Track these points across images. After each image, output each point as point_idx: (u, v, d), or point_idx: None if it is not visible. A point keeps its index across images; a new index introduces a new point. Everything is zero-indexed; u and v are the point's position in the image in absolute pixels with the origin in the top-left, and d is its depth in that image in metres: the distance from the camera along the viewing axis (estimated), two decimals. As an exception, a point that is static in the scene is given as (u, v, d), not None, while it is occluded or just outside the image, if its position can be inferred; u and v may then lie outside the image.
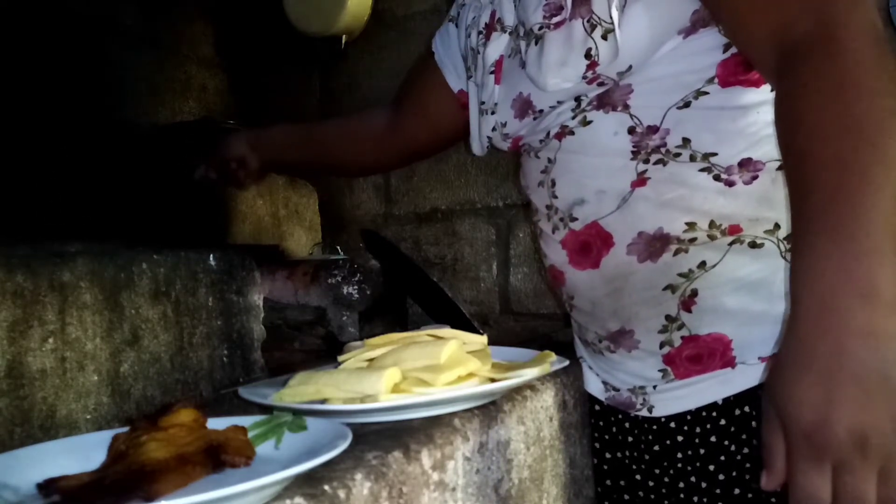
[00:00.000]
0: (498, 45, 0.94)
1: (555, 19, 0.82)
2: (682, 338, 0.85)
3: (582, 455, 0.99)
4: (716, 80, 0.80)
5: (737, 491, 0.84)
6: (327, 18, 1.62)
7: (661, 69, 0.80)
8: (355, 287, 1.12)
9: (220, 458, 0.54)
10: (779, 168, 0.80)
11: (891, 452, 0.59)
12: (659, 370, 0.88)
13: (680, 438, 0.88)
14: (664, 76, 0.80)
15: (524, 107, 0.89)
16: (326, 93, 1.83)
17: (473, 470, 0.71)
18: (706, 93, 0.80)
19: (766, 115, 0.78)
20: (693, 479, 0.88)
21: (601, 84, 0.82)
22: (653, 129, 0.81)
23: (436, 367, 0.71)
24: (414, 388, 0.70)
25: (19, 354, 0.71)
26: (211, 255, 0.93)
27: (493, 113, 0.95)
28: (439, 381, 0.70)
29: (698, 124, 0.80)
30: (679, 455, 0.88)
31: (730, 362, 0.84)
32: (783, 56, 0.70)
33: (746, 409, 0.83)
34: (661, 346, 0.86)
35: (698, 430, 0.87)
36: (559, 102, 0.85)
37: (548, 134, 0.88)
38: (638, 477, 0.95)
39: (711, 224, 0.81)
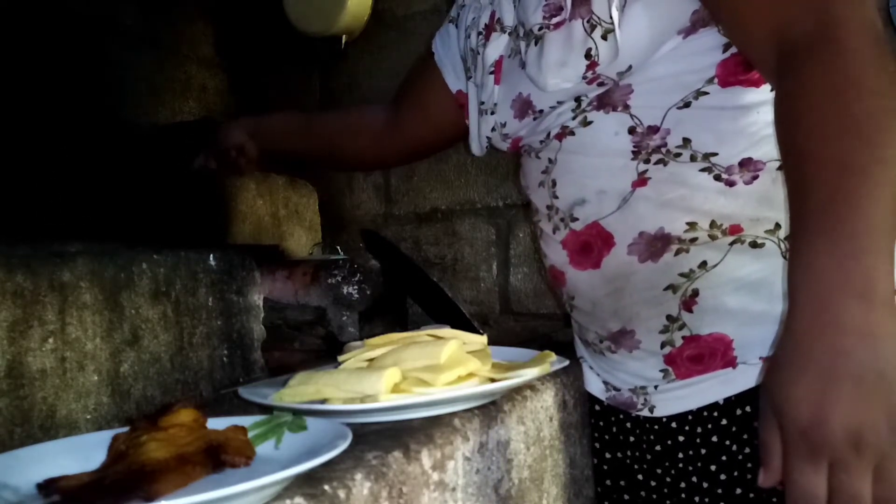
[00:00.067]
0: (497, 46, 0.94)
1: (554, 20, 0.82)
2: (684, 338, 0.85)
3: (582, 455, 0.99)
4: (716, 80, 0.80)
5: (738, 491, 0.84)
6: (327, 18, 1.62)
7: (661, 69, 0.80)
8: (355, 287, 1.12)
9: (220, 458, 0.54)
10: (779, 168, 0.80)
11: (886, 451, 0.59)
12: (660, 370, 0.88)
13: (681, 438, 0.88)
14: (664, 76, 0.80)
15: (524, 107, 0.89)
16: (326, 93, 1.83)
17: (473, 470, 0.71)
18: (706, 93, 0.80)
19: (767, 114, 0.78)
20: (694, 479, 0.88)
21: (601, 84, 0.82)
22: (653, 129, 0.81)
23: (436, 367, 0.71)
24: (414, 388, 0.70)
25: (19, 354, 0.71)
26: (211, 255, 0.93)
27: (492, 113, 0.95)
28: (439, 381, 0.70)
29: (698, 124, 0.80)
30: (680, 455, 0.88)
31: (731, 362, 0.84)
32: (783, 56, 0.70)
33: (748, 408, 0.83)
34: (662, 346, 0.86)
35: (699, 430, 0.87)
36: (559, 103, 0.85)
37: (548, 134, 0.88)
38: (639, 477, 0.95)
39: (712, 224, 0.81)
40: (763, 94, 0.79)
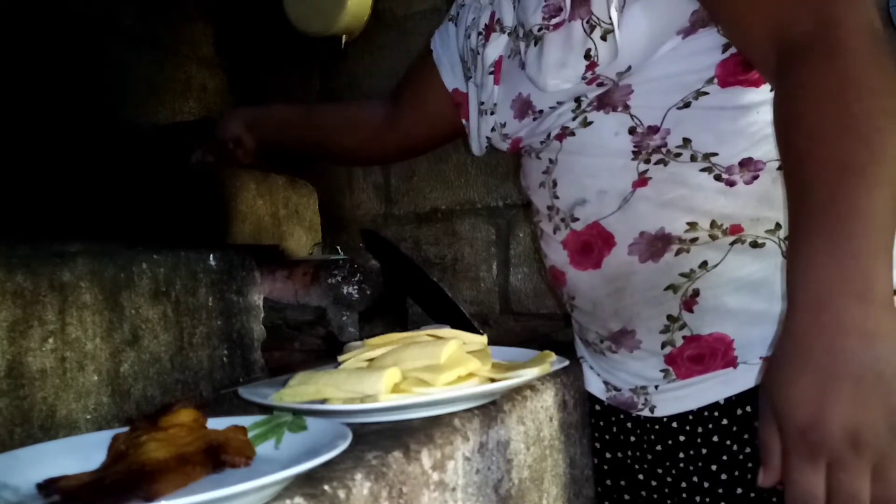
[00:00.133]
0: (497, 46, 0.94)
1: (554, 20, 0.82)
2: (684, 338, 0.85)
3: (582, 455, 0.99)
4: (715, 81, 0.80)
5: (739, 490, 0.84)
6: (327, 18, 1.62)
7: (660, 69, 0.80)
8: (355, 287, 1.12)
9: (220, 458, 0.54)
10: (779, 168, 0.80)
11: (885, 450, 0.59)
12: (660, 370, 0.88)
13: (682, 438, 0.88)
14: (664, 76, 0.80)
15: (524, 107, 0.89)
16: (326, 93, 1.83)
17: (473, 470, 0.71)
18: (706, 93, 0.80)
19: (767, 114, 0.78)
20: (695, 478, 0.88)
21: (601, 85, 0.82)
22: (653, 130, 0.81)
23: (436, 367, 0.71)
24: (414, 388, 0.70)
25: (19, 354, 0.71)
26: (211, 255, 0.93)
27: (492, 113, 0.95)
28: (439, 381, 0.70)
29: (698, 124, 0.80)
30: (681, 455, 0.88)
31: (731, 362, 0.84)
32: (782, 56, 0.70)
33: (748, 408, 0.83)
34: (663, 346, 0.86)
35: (700, 429, 0.87)
36: (559, 103, 0.85)
37: (548, 135, 0.88)
38: (640, 477, 0.95)
39: (713, 224, 0.81)
40: (763, 94, 0.79)
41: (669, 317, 0.85)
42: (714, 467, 0.86)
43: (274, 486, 0.49)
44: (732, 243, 0.81)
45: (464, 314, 1.16)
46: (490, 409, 0.76)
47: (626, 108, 0.82)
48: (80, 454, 0.58)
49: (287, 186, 1.67)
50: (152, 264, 0.85)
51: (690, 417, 0.87)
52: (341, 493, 0.53)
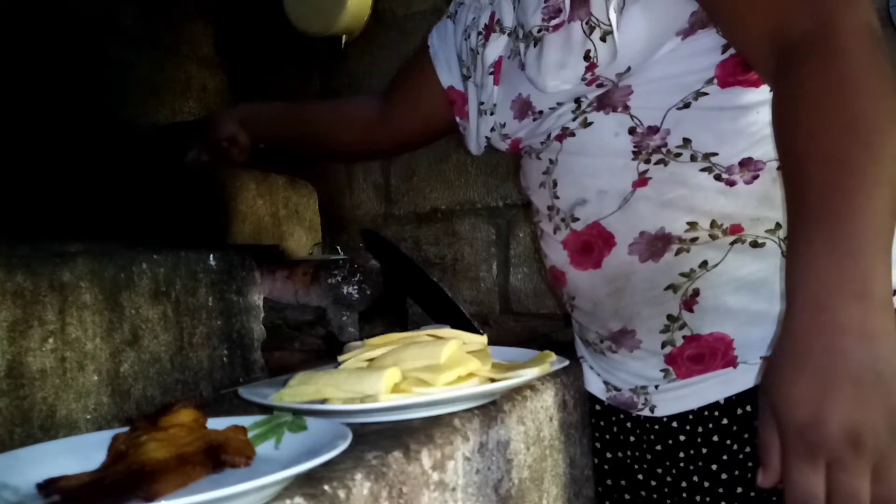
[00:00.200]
0: (497, 47, 0.94)
1: (553, 21, 0.82)
2: (684, 337, 0.85)
3: (582, 455, 0.99)
4: (715, 81, 0.80)
5: (739, 490, 0.84)
6: (327, 18, 1.62)
7: (660, 70, 0.80)
8: (355, 287, 1.12)
9: (220, 458, 0.54)
10: (779, 168, 0.80)
11: (884, 450, 0.59)
12: (661, 370, 0.88)
13: (682, 438, 0.88)
14: (663, 77, 0.80)
15: (524, 108, 0.89)
16: (326, 93, 1.83)
17: (473, 470, 0.71)
18: (706, 93, 0.80)
19: (766, 114, 0.78)
20: (696, 478, 0.88)
21: (600, 85, 0.82)
22: (653, 130, 0.81)
23: (436, 367, 0.71)
24: (414, 388, 0.70)
25: (19, 354, 0.71)
26: (211, 255, 0.93)
27: (492, 114, 0.95)
28: (439, 381, 0.70)
29: (698, 124, 0.80)
30: (681, 454, 0.89)
31: (731, 362, 0.84)
32: (781, 57, 0.70)
33: (748, 408, 0.83)
34: (663, 345, 0.86)
35: (700, 429, 0.87)
36: (559, 104, 0.85)
37: (549, 136, 0.88)
38: (640, 477, 0.95)
39: (713, 224, 0.81)
40: (762, 94, 0.79)
41: (669, 316, 0.85)
42: (714, 467, 0.86)
43: (274, 486, 0.49)
44: (732, 243, 0.81)
45: (464, 314, 1.16)
46: (490, 409, 0.76)
47: (626, 108, 0.82)
48: (80, 454, 0.58)
49: (287, 186, 1.67)
50: (152, 264, 0.85)
51: (690, 417, 0.87)
52: (341, 493, 0.53)
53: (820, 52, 0.66)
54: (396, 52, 1.70)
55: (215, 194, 1.45)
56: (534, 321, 1.57)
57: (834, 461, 0.59)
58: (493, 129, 0.96)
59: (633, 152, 0.82)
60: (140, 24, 1.56)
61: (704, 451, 0.87)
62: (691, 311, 0.84)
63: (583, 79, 0.81)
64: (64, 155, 1.22)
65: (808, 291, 0.62)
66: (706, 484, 0.87)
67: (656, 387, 0.89)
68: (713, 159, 0.80)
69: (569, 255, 0.90)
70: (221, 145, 1.20)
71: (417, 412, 0.70)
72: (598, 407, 0.99)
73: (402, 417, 0.70)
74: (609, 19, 0.78)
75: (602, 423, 0.99)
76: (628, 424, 0.95)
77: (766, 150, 0.79)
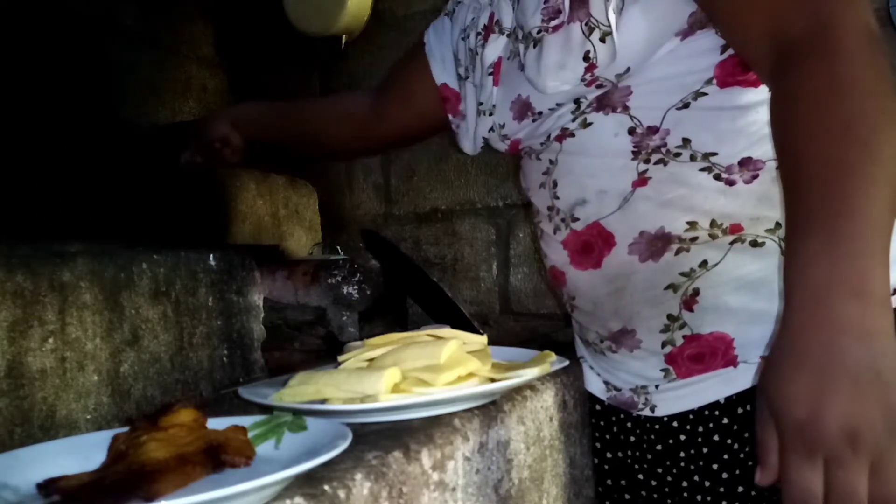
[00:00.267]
0: (496, 47, 0.94)
1: (553, 22, 0.82)
2: (684, 337, 0.85)
3: (582, 455, 0.99)
4: (714, 81, 0.80)
5: (740, 489, 0.84)
6: (327, 18, 1.62)
7: (659, 71, 0.80)
8: (355, 287, 1.12)
9: (220, 458, 0.54)
10: (778, 167, 0.80)
11: (882, 448, 0.59)
12: (661, 370, 0.88)
13: (682, 437, 0.88)
14: (663, 78, 0.81)
15: (523, 109, 0.89)
16: (326, 93, 1.83)
17: (473, 470, 0.71)
18: (705, 93, 0.80)
19: (766, 114, 0.78)
20: (696, 477, 0.88)
21: (600, 86, 0.82)
22: (653, 130, 0.81)
23: (436, 367, 0.71)
24: (414, 388, 0.70)
25: (19, 354, 0.71)
26: (211, 255, 0.93)
27: (490, 114, 0.95)
28: (439, 381, 0.69)
29: (698, 124, 0.80)
30: (682, 454, 0.89)
31: (731, 361, 0.84)
32: (779, 57, 0.70)
33: (749, 407, 0.83)
34: (663, 345, 0.86)
35: (701, 428, 0.87)
36: (558, 105, 0.86)
37: (548, 136, 0.88)
38: (640, 476, 0.95)
39: (712, 223, 0.81)
40: (761, 94, 0.79)
41: (669, 316, 0.85)
42: (715, 466, 0.86)
43: (274, 486, 0.49)
44: (732, 242, 0.81)
45: (464, 314, 1.16)
46: (490, 409, 0.76)
47: (626, 108, 0.82)
48: (80, 454, 0.58)
49: (287, 186, 1.67)
50: (152, 264, 0.85)
51: (691, 417, 0.87)
52: (341, 493, 0.53)
53: (818, 52, 0.66)
54: (396, 52, 1.69)
55: (215, 194, 1.45)
56: (534, 321, 1.57)
57: (832, 459, 0.59)
58: (491, 130, 0.96)
59: (633, 152, 0.82)
60: (140, 24, 1.56)
61: (705, 450, 0.87)
62: (691, 310, 0.84)
63: (582, 79, 0.81)
64: (64, 155, 1.22)
65: (806, 290, 0.62)
66: (707, 483, 0.87)
67: (656, 386, 0.89)
68: (713, 159, 0.80)
69: (569, 255, 0.90)
70: (214, 146, 1.20)
71: (417, 412, 0.70)
72: (598, 407, 0.99)
73: (402, 417, 0.70)
74: (608, 20, 0.78)
75: (602, 423, 0.99)
76: (628, 424, 0.95)
77: (765, 150, 0.79)
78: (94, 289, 0.78)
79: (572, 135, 0.86)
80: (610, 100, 0.83)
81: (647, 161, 0.82)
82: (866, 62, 0.65)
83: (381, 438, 0.64)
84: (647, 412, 0.91)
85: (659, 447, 0.91)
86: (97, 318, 0.78)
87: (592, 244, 0.87)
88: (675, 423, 0.89)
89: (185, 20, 1.71)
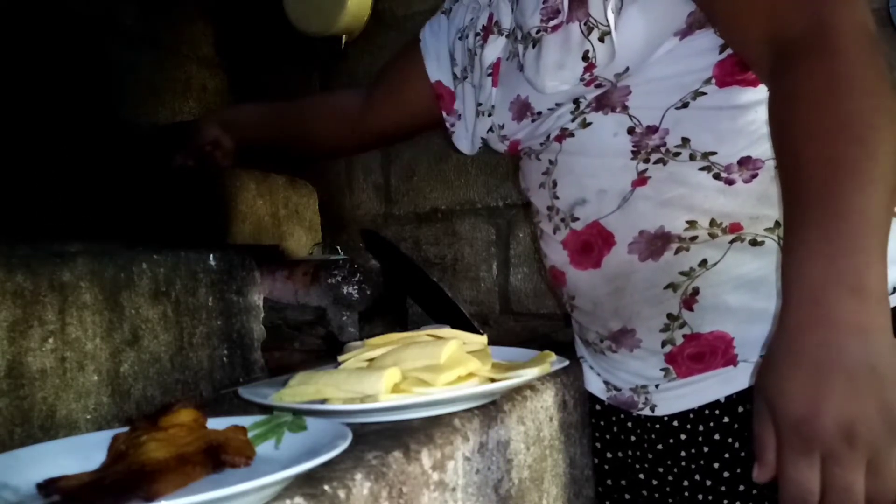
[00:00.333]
0: (495, 48, 0.94)
1: (552, 22, 0.82)
2: (684, 336, 0.85)
3: (582, 455, 0.99)
4: (713, 81, 0.80)
5: (741, 488, 0.84)
6: (327, 18, 1.62)
7: (658, 70, 0.80)
8: (355, 287, 1.12)
9: (220, 458, 0.54)
10: (777, 166, 0.80)
11: (878, 444, 0.59)
12: (661, 369, 0.88)
13: (683, 437, 0.88)
14: (662, 77, 0.81)
15: (522, 109, 0.89)
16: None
17: (473, 470, 0.71)
18: (704, 93, 0.80)
19: (764, 113, 0.78)
20: (697, 477, 0.88)
21: (599, 86, 0.82)
22: (652, 130, 0.81)
23: (436, 367, 0.71)
24: (414, 388, 0.70)
25: (19, 354, 0.71)
26: (211, 255, 0.93)
27: (489, 115, 0.95)
28: (439, 381, 0.69)
29: (697, 124, 0.80)
30: (682, 453, 0.89)
31: (732, 360, 0.84)
32: (777, 57, 0.70)
33: (749, 406, 0.83)
34: (663, 344, 0.86)
35: (701, 428, 0.87)
36: (558, 105, 0.86)
37: (548, 136, 0.88)
38: (641, 476, 0.95)
39: (712, 222, 0.81)
40: (760, 94, 0.79)
41: (669, 315, 0.85)
42: (716, 465, 0.86)
43: (274, 486, 0.49)
44: (732, 241, 0.81)
45: (464, 314, 1.16)
46: (490, 409, 0.76)
47: (625, 108, 0.82)
48: (80, 454, 0.58)
49: (287, 186, 1.67)
50: (152, 264, 0.85)
51: (691, 416, 0.87)
52: (341, 493, 0.53)
53: (816, 51, 0.67)
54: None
55: (215, 194, 1.45)
56: (534, 321, 1.57)
57: (829, 455, 0.60)
58: (490, 130, 0.96)
59: (633, 152, 0.82)
60: (140, 24, 1.56)
61: (706, 449, 0.87)
62: (691, 309, 0.84)
63: (581, 79, 0.81)
64: (64, 155, 1.22)
65: (804, 287, 0.62)
66: (708, 483, 0.87)
67: (657, 386, 0.89)
68: (712, 158, 0.80)
69: (568, 255, 0.90)
70: (205, 149, 1.20)
71: (417, 412, 0.70)
72: (598, 407, 0.99)
73: (402, 417, 0.70)
74: (607, 20, 0.78)
75: (602, 422, 0.99)
76: (629, 424, 0.95)
77: (764, 149, 0.80)
78: (94, 289, 0.78)
79: (572, 135, 0.86)
80: (609, 100, 0.83)
81: (646, 161, 0.82)
82: (865, 62, 0.65)
83: (381, 438, 0.64)
84: (647, 412, 0.91)
85: (659, 447, 0.91)
86: (97, 318, 0.78)
87: (592, 244, 0.87)
88: (675, 423, 0.89)
89: (185, 20, 1.71)
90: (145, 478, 0.49)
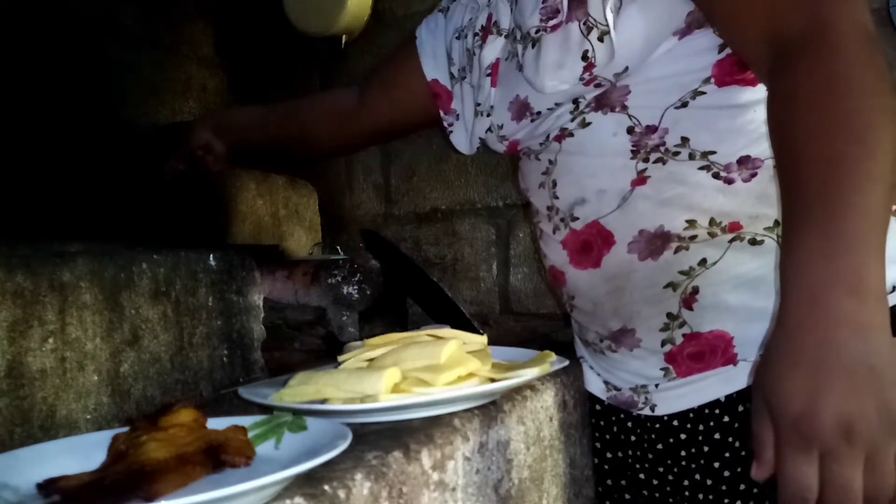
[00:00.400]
0: (494, 49, 0.94)
1: (551, 22, 0.82)
2: (684, 335, 0.85)
3: (582, 455, 0.99)
4: (712, 80, 0.80)
5: (742, 487, 0.84)
6: (327, 18, 1.62)
7: (657, 70, 0.80)
8: (355, 287, 1.12)
9: (220, 458, 0.54)
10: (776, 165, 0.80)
11: (876, 441, 0.59)
12: (661, 368, 0.88)
13: (683, 436, 0.88)
14: (661, 77, 0.81)
15: (521, 109, 0.89)
16: (326, 93, 1.83)
17: (473, 470, 0.71)
18: (703, 92, 0.80)
19: (763, 113, 0.78)
20: (698, 476, 0.88)
21: (598, 85, 0.82)
22: (651, 129, 0.82)
23: (436, 367, 0.71)
24: (414, 388, 0.70)
25: (19, 354, 0.71)
26: (211, 255, 0.93)
27: (488, 115, 0.95)
28: (439, 381, 0.70)
29: (696, 123, 0.80)
30: (683, 453, 0.89)
31: (731, 359, 0.84)
32: (776, 56, 0.70)
33: (749, 405, 0.83)
34: (663, 344, 0.86)
35: (701, 427, 0.87)
36: (557, 105, 0.86)
37: (547, 136, 0.88)
38: (641, 476, 0.95)
39: (711, 221, 0.81)
40: (760, 93, 0.79)
41: (669, 315, 0.85)
42: (716, 465, 0.86)
43: (274, 486, 0.49)
44: (731, 241, 0.81)
45: (464, 314, 1.16)
46: (490, 409, 0.76)
47: (624, 108, 0.82)
48: (80, 454, 0.58)
49: (287, 186, 1.67)
50: (152, 264, 0.85)
51: (691, 415, 0.87)
52: (341, 493, 0.53)
53: (815, 51, 0.67)
54: (396, 52, 1.70)
55: (215, 194, 1.45)
56: (534, 321, 1.57)
57: (827, 452, 0.60)
58: (489, 131, 0.96)
59: (632, 151, 0.82)
60: (140, 24, 1.56)
61: (706, 449, 0.87)
62: (691, 309, 0.84)
63: (581, 79, 0.81)
64: (64, 155, 1.22)
65: (802, 286, 0.62)
66: (708, 482, 0.87)
67: (656, 385, 0.89)
68: (711, 158, 0.80)
69: (568, 255, 0.90)
70: (196, 154, 1.20)
71: (417, 412, 0.70)
72: (598, 407, 0.99)
73: (402, 417, 0.70)
74: (606, 19, 0.78)
75: (602, 422, 0.99)
76: (629, 424, 0.95)
77: (763, 148, 0.80)
78: (94, 289, 0.78)
79: (571, 135, 0.86)
80: (608, 99, 0.83)
81: (645, 160, 0.82)
82: (864, 61, 0.65)
83: (381, 438, 0.64)
84: (647, 411, 0.91)
85: (659, 446, 0.91)
86: (97, 318, 0.78)
87: (592, 243, 0.87)
88: (675, 422, 0.89)
89: (185, 20, 1.71)
90: (145, 478, 0.49)
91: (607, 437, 0.99)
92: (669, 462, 0.90)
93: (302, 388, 0.71)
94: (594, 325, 0.93)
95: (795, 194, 0.65)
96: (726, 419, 0.85)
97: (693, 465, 0.88)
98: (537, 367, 0.75)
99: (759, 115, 0.79)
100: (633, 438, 0.95)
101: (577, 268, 0.89)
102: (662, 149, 0.81)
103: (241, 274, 0.97)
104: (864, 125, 0.63)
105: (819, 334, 0.60)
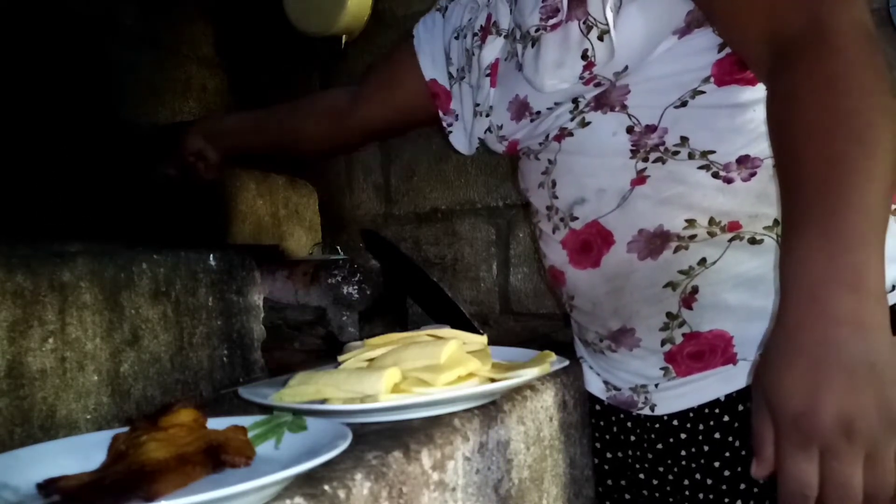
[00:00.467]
0: (493, 49, 0.94)
1: (551, 21, 0.82)
2: (684, 335, 0.85)
3: (582, 455, 0.99)
4: (712, 80, 0.80)
5: (742, 486, 0.84)
6: (327, 18, 1.62)
7: (657, 69, 0.81)
8: (355, 287, 1.12)
9: (220, 458, 0.54)
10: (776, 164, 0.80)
11: (876, 439, 0.60)
12: (660, 368, 0.88)
13: (683, 436, 0.88)
14: (660, 76, 0.81)
15: (521, 109, 0.89)
16: (326, 93, 1.83)
17: (473, 470, 0.71)
18: (703, 92, 0.80)
19: (763, 112, 0.78)
20: (698, 476, 0.88)
21: (598, 85, 0.82)
22: (651, 129, 0.82)
23: (436, 367, 0.71)
24: (414, 388, 0.70)
25: (19, 354, 0.71)
26: (211, 255, 0.93)
27: (487, 115, 0.95)
28: (439, 381, 0.70)
29: (696, 123, 0.80)
30: (682, 453, 0.89)
31: (731, 359, 0.84)
32: (776, 56, 0.71)
33: (749, 404, 0.83)
34: (663, 343, 0.87)
35: (701, 427, 0.87)
36: (556, 104, 0.86)
37: (547, 136, 0.88)
38: (641, 476, 0.95)
39: (711, 221, 0.81)
40: (759, 92, 0.79)
41: (669, 314, 0.85)
42: (716, 464, 0.86)
43: (274, 486, 0.49)
44: (731, 240, 0.81)
45: (464, 314, 1.16)
46: (490, 409, 0.76)
47: (624, 107, 0.82)
48: (80, 454, 0.58)
49: (287, 186, 1.67)
50: (152, 264, 0.85)
51: (691, 415, 0.87)
52: (341, 493, 0.53)
53: (815, 50, 0.67)
54: (396, 52, 1.70)
55: (215, 194, 1.45)
56: (534, 321, 1.57)
57: (827, 450, 0.60)
58: (489, 131, 0.96)
59: (632, 151, 0.82)
60: (140, 24, 1.56)
61: (706, 448, 0.87)
62: (690, 308, 0.84)
63: (580, 78, 0.81)
64: (64, 155, 1.22)
65: (802, 284, 0.62)
66: (709, 482, 0.87)
67: (656, 385, 0.89)
68: (711, 157, 0.80)
69: (568, 255, 0.90)
70: (188, 161, 1.20)
71: (417, 412, 0.70)
72: (598, 407, 0.99)
73: (402, 417, 0.70)
74: (606, 19, 0.78)
75: (602, 422, 0.99)
76: (629, 424, 0.95)
77: (763, 148, 0.80)
78: (94, 289, 0.78)
79: (571, 134, 0.86)
80: (608, 99, 0.83)
81: (645, 160, 0.82)
82: (863, 61, 0.65)
83: (381, 438, 0.64)
84: (647, 411, 0.91)
85: (659, 446, 0.91)
86: (97, 318, 0.78)
87: (591, 243, 0.87)
88: (675, 422, 0.89)
89: (185, 20, 1.71)
90: (145, 478, 0.49)
91: (607, 437, 0.99)
92: (669, 462, 0.90)
93: (302, 388, 0.71)
94: (594, 324, 0.93)
95: (795, 193, 0.66)
96: (726, 419, 0.85)
97: (693, 465, 0.88)
98: (537, 367, 0.75)
99: (759, 114, 0.79)
100: (632, 438, 0.95)
101: (576, 267, 0.89)
102: (662, 148, 0.81)
103: (241, 274, 0.97)
104: (863, 124, 0.64)
105: (819, 333, 0.60)
